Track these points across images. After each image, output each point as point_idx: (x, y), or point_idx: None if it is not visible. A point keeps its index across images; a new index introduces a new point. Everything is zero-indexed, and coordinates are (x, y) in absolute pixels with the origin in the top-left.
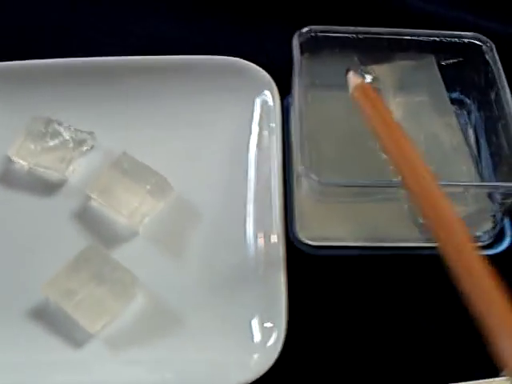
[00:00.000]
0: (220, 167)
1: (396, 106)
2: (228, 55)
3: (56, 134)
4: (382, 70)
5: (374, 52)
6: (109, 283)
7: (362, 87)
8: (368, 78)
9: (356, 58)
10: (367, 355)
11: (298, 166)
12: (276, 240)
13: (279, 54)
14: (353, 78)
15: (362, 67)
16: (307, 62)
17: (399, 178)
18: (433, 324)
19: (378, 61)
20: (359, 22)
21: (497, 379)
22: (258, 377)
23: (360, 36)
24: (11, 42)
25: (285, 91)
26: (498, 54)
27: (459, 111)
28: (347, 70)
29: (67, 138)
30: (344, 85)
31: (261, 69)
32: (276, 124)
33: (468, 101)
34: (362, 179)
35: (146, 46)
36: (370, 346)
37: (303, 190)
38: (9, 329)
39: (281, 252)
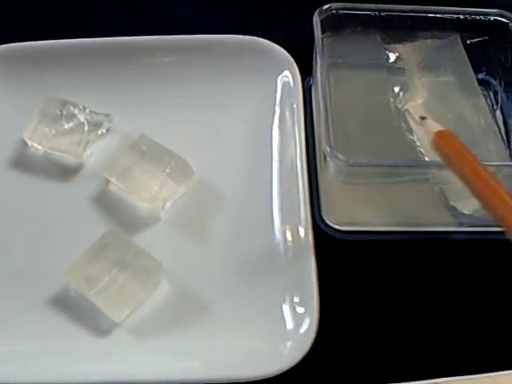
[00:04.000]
0: (242, 149)
1: (421, 87)
2: (248, 35)
3: (71, 117)
4: (406, 49)
5: (396, 30)
6: (132, 269)
7: (444, 134)
8: (392, 57)
9: (378, 37)
10: (397, 339)
11: (324, 147)
12: (303, 224)
13: (299, 35)
14: (432, 125)
15: (385, 46)
16: (329, 40)
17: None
18: (465, 310)
19: (402, 40)
20: None
21: None
22: (292, 365)
23: (382, 14)
24: (28, 23)
25: (305, 72)
26: None
27: (485, 92)
28: (422, 118)
29: (82, 120)
30: (366, 64)
31: (281, 48)
32: (298, 105)
33: (494, 81)
34: (390, 159)
35: (164, 27)
36: (401, 330)
37: (329, 172)
38: (31, 317)
39: (309, 236)
